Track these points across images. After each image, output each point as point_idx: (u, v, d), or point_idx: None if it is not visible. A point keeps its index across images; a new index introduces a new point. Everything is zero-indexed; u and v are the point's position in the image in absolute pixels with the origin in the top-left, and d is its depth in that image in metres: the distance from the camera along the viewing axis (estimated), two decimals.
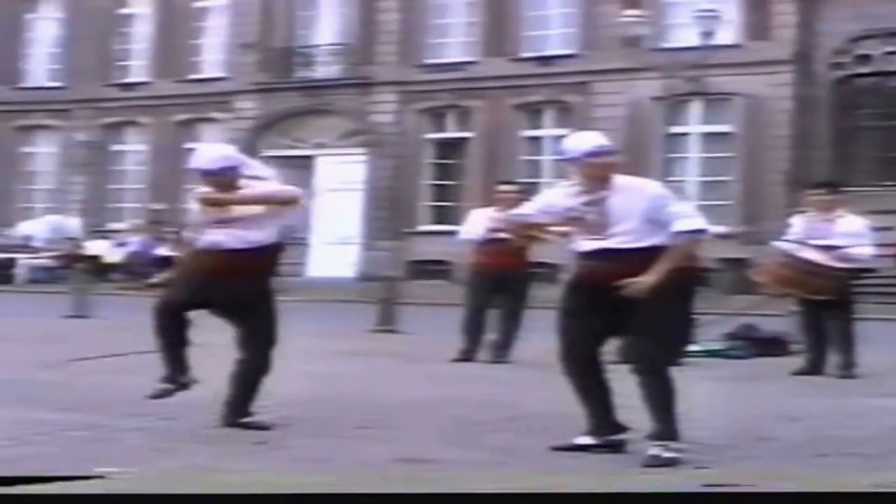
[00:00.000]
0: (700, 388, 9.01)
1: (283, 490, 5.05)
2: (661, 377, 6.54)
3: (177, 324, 7.34)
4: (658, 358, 6.55)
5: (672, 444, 6.45)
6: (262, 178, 7.53)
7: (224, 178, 7.28)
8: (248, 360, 7.45)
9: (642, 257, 6.44)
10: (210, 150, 7.63)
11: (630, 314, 6.45)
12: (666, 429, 6.49)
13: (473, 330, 12.19)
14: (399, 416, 8.12)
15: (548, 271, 25.55)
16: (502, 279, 11.98)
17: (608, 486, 5.31)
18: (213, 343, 7.64)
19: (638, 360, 6.55)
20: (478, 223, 12.26)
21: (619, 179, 6.67)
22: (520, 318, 12.22)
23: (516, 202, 12.11)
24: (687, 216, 6.60)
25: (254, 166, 7.60)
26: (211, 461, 6.36)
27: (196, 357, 7.52)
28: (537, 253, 11.67)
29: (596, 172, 6.67)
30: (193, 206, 7.47)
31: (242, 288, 7.31)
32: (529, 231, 10.63)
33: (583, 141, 6.83)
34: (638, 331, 6.50)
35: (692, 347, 12.16)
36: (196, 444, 6.82)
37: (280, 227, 7.65)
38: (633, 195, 6.58)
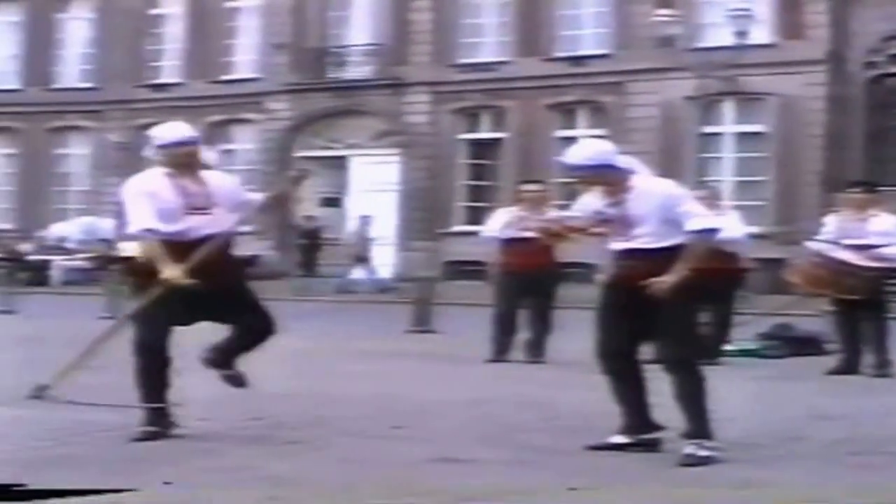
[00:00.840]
0: (735, 387, 9.00)
1: None
2: (691, 375, 6.57)
3: (160, 363, 6.99)
4: (687, 357, 6.60)
5: (706, 443, 6.47)
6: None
7: (191, 152, 7.10)
8: (250, 326, 7.10)
9: (666, 257, 6.52)
10: (175, 127, 7.31)
11: (658, 313, 6.51)
12: (699, 427, 6.51)
13: (505, 330, 12.20)
14: (435, 416, 8.15)
15: (582, 271, 25.55)
16: (530, 279, 11.98)
17: None
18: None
19: (667, 358, 6.63)
20: (502, 222, 12.28)
21: (638, 181, 6.74)
22: (550, 318, 12.23)
23: (540, 202, 12.17)
24: (698, 215, 6.67)
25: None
26: (246, 461, 6.37)
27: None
28: (565, 252, 11.72)
29: (592, 182, 6.85)
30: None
31: (222, 277, 6.95)
32: (558, 231, 10.69)
33: (578, 152, 6.92)
34: (665, 330, 6.58)
35: (727, 347, 12.18)
36: (231, 445, 6.84)
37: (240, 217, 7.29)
38: (649, 196, 6.66)
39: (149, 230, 6.93)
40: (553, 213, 11.42)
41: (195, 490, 5.63)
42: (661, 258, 6.51)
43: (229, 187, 7.32)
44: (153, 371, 6.99)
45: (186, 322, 7.04)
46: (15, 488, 5.01)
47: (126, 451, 6.65)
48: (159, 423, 7.02)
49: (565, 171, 7.04)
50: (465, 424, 7.75)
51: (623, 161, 6.82)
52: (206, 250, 6.94)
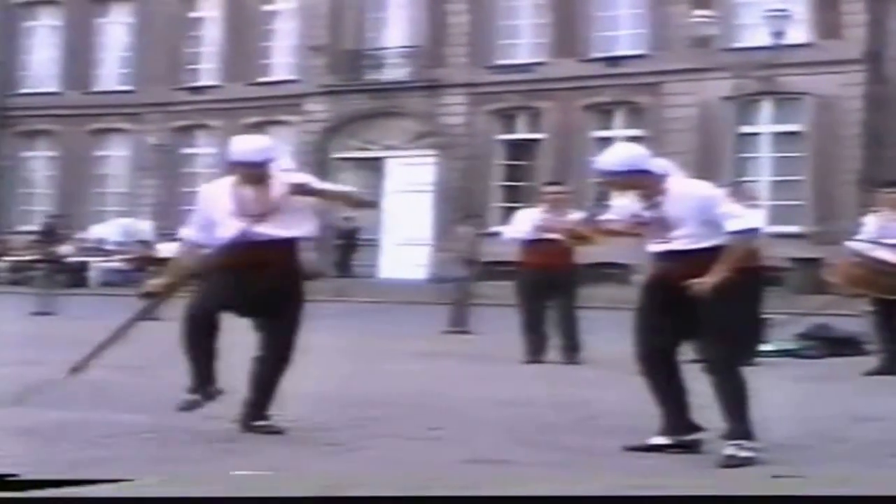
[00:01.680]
0: (773, 387, 8.97)
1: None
2: (732, 376, 6.57)
3: (207, 334, 7.19)
4: (727, 357, 6.60)
5: (746, 444, 6.46)
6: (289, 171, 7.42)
7: (262, 171, 7.19)
8: (266, 361, 7.33)
9: (705, 258, 6.53)
10: (250, 143, 7.45)
11: (698, 314, 6.53)
12: (739, 428, 6.50)
13: (534, 330, 12.21)
14: (472, 417, 8.16)
15: (617, 272, 25.52)
16: (551, 279, 11.99)
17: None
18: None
19: (707, 359, 6.64)
20: (524, 223, 12.29)
21: (674, 183, 6.76)
22: (575, 317, 12.23)
23: (562, 203, 12.18)
24: (737, 216, 6.67)
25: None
26: (286, 462, 6.41)
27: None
28: (589, 254, 11.72)
29: (626, 186, 6.88)
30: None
31: (274, 282, 7.18)
32: (580, 232, 10.69)
33: (611, 156, 6.92)
34: (705, 330, 6.60)
35: (765, 347, 12.13)
36: (271, 445, 6.87)
37: (316, 225, 7.53)
38: (685, 198, 6.68)
39: (188, 240, 7.35)
40: (575, 215, 11.45)
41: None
42: (700, 259, 6.52)
43: (298, 184, 7.29)
44: (198, 340, 7.18)
45: (236, 309, 7.26)
46: (9, 478, 5.01)
47: (165, 452, 6.70)
48: (204, 392, 7.24)
49: (599, 176, 7.04)
50: (502, 425, 7.76)
51: (656, 164, 6.83)
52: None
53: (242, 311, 7.31)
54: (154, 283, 7.78)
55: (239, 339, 7.40)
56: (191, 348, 7.21)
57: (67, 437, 7.04)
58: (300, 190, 7.20)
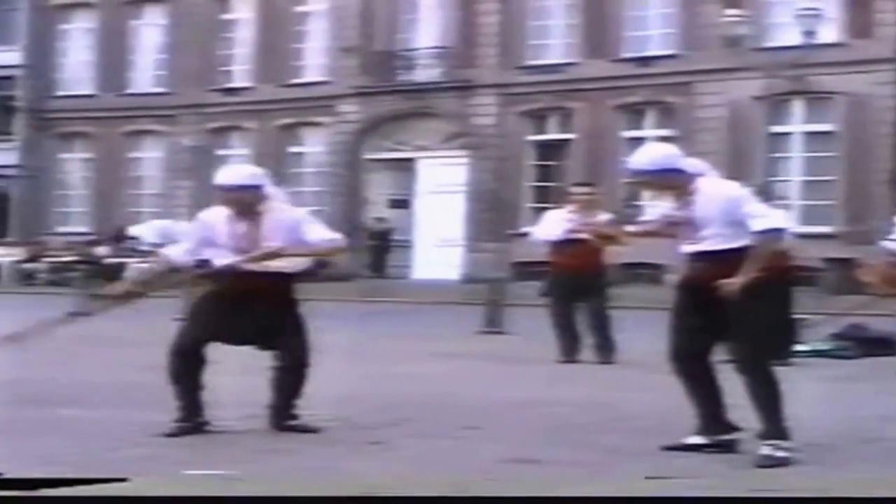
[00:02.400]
0: (807, 388, 8.99)
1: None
2: (763, 377, 6.59)
3: (194, 366, 7.26)
4: (756, 357, 6.62)
5: (783, 444, 6.49)
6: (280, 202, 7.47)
7: (246, 197, 7.26)
8: (287, 369, 7.37)
9: (734, 258, 6.55)
10: (235, 170, 7.57)
11: (729, 314, 6.56)
12: (775, 428, 6.53)
13: (565, 330, 12.25)
14: (507, 416, 8.21)
15: (650, 272, 25.53)
16: (580, 280, 12.01)
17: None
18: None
19: (738, 359, 6.66)
20: (553, 224, 12.34)
21: (703, 183, 6.79)
22: (607, 318, 12.27)
23: (591, 204, 12.21)
24: (763, 215, 6.68)
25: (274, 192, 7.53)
26: (326, 462, 6.48)
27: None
28: (614, 254, 11.78)
29: (657, 186, 6.95)
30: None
31: (265, 314, 7.25)
32: (608, 233, 10.74)
33: (643, 156, 6.96)
34: (735, 331, 6.62)
35: (800, 348, 12.13)
36: (311, 445, 6.93)
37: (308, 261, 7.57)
38: (713, 198, 6.71)
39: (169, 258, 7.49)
40: (603, 216, 11.49)
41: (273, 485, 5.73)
42: (730, 259, 6.54)
43: (287, 226, 7.32)
44: (184, 373, 7.25)
45: (228, 338, 7.33)
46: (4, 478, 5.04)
47: (203, 453, 6.76)
48: (191, 419, 7.25)
49: (631, 175, 7.08)
50: (538, 425, 7.79)
51: (688, 164, 6.87)
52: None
53: (234, 342, 7.36)
54: (114, 288, 7.93)
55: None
56: (178, 380, 7.26)
57: (99, 436, 7.12)
58: (285, 250, 7.23)
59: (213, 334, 7.28)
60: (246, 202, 7.26)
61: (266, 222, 7.27)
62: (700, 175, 6.81)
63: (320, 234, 7.40)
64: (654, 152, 7.03)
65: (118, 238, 32.06)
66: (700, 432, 6.83)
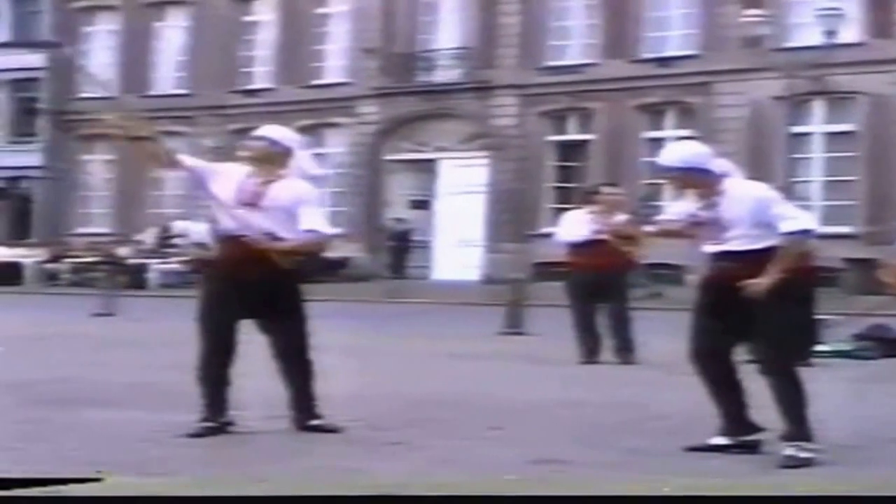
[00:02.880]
0: (830, 388, 8.99)
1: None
2: (787, 377, 6.60)
3: (223, 363, 7.29)
4: (781, 358, 6.62)
5: (806, 445, 6.50)
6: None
7: (273, 152, 7.33)
8: (288, 362, 7.38)
9: (760, 258, 6.56)
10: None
11: (753, 315, 6.56)
12: (798, 429, 6.53)
13: (588, 331, 12.28)
14: (531, 417, 8.23)
15: (672, 272, 25.49)
16: (602, 281, 12.01)
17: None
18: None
19: (763, 360, 6.67)
20: (575, 225, 12.36)
21: (730, 184, 6.80)
22: (628, 318, 12.29)
23: (614, 205, 12.23)
24: (792, 217, 6.68)
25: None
26: (350, 462, 6.49)
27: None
28: (636, 255, 11.80)
29: (684, 184, 6.93)
30: None
31: (267, 277, 7.16)
32: (630, 234, 10.73)
33: (672, 152, 6.99)
34: (759, 331, 6.62)
35: (821, 348, 12.12)
36: (335, 445, 6.96)
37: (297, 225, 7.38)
38: (740, 199, 6.71)
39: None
40: (624, 217, 11.50)
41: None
42: (755, 260, 6.55)
43: (294, 196, 7.31)
44: (210, 366, 7.27)
45: (242, 316, 7.28)
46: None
47: (225, 452, 6.82)
48: (216, 419, 7.27)
49: (658, 172, 7.09)
50: (562, 426, 7.80)
51: (717, 164, 6.87)
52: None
53: (243, 315, 7.30)
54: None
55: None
56: (206, 378, 7.29)
57: (122, 436, 7.17)
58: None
59: (230, 318, 7.25)
60: (260, 156, 7.32)
61: (278, 182, 7.28)
62: (727, 175, 6.82)
63: (315, 222, 7.35)
64: (684, 150, 7.04)
65: (164, 237, 32.29)
66: (723, 433, 6.85)
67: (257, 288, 7.16)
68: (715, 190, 6.75)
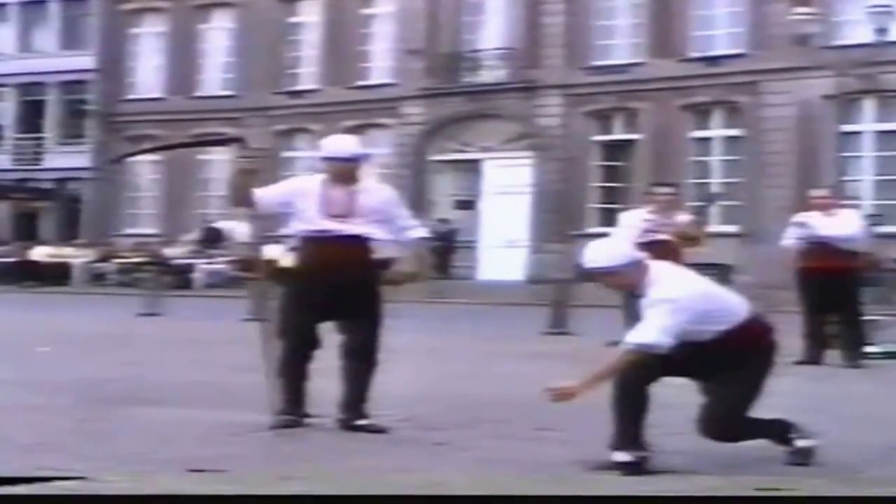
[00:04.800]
0: (879, 390, 8.94)
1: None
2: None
3: (303, 357, 7.39)
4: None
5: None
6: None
7: (351, 168, 7.38)
8: (355, 363, 7.42)
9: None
10: (342, 140, 7.70)
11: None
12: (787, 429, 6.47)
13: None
14: (577, 418, 8.14)
15: (717, 272, 25.23)
16: None
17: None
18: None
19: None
20: (633, 225, 12.25)
21: None
22: None
23: (672, 205, 12.14)
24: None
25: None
26: (395, 462, 6.49)
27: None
28: (693, 255, 11.70)
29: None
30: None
31: (350, 279, 7.26)
32: (690, 234, 10.63)
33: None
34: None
35: (871, 349, 12.03)
36: (380, 445, 6.96)
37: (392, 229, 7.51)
38: None
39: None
40: (683, 216, 11.41)
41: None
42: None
43: (381, 200, 7.48)
44: (292, 362, 7.36)
45: (322, 317, 7.36)
46: None
47: (277, 451, 6.83)
48: (295, 412, 7.35)
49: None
50: (609, 427, 7.76)
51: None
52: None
53: (323, 316, 7.39)
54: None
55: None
56: (287, 373, 7.38)
57: (176, 435, 7.19)
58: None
59: (311, 317, 7.34)
60: (346, 174, 7.36)
61: (361, 190, 7.38)
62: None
63: (410, 223, 7.59)
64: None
65: (210, 238, 32.40)
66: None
67: (341, 290, 7.25)
68: None
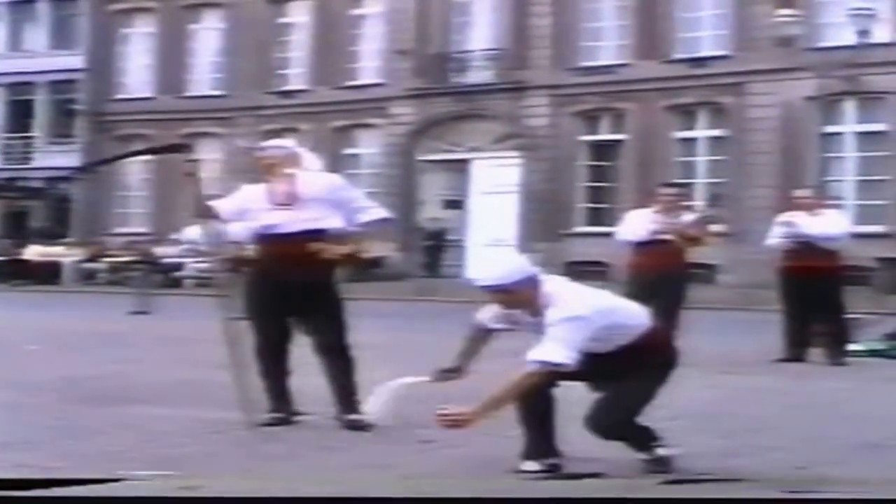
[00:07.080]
0: (862, 388, 9.04)
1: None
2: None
3: (278, 357, 7.61)
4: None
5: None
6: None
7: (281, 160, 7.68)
8: (329, 359, 7.58)
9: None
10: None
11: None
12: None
13: None
14: (564, 416, 8.25)
15: (705, 272, 25.42)
16: (660, 280, 11.86)
17: None
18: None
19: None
20: (636, 224, 12.34)
21: None
22: (677, 319, 12.30)
23: (676, 205, 12.24)
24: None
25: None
26: (378, 459, 6.61)
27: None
28: (695, 255, 11.83)
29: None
30: None
31: (302, 278, 7.40)
32: (694, 235, 10.75)
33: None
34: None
35: (854, 347, 12.16)
36: (363, 443, 7.06)
37: (345, 215, 7.66)
38: None
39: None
40: (688, 217, 11.54)
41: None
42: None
43: (324, 187, 7.69)
44: (268, 361, 7.58)
45: (285, 314, 7.58)
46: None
47: (259, 449, 6.89)
48: (282, 409, 7.56)
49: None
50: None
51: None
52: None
53: (287, 313, 7.59)
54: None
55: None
56: (265, 373, 7.59)
57: (169, 433, 7.28)
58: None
59: (279, 312, 7.53)
60: (267, 164, 7.72)
61: (299, 179, 7.62)
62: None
63: (371, 212, 7.79)
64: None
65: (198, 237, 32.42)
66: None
67: (296, 287, 7.38)
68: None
